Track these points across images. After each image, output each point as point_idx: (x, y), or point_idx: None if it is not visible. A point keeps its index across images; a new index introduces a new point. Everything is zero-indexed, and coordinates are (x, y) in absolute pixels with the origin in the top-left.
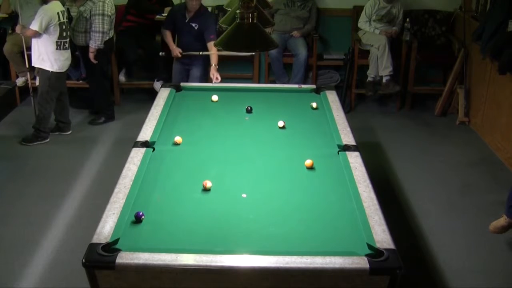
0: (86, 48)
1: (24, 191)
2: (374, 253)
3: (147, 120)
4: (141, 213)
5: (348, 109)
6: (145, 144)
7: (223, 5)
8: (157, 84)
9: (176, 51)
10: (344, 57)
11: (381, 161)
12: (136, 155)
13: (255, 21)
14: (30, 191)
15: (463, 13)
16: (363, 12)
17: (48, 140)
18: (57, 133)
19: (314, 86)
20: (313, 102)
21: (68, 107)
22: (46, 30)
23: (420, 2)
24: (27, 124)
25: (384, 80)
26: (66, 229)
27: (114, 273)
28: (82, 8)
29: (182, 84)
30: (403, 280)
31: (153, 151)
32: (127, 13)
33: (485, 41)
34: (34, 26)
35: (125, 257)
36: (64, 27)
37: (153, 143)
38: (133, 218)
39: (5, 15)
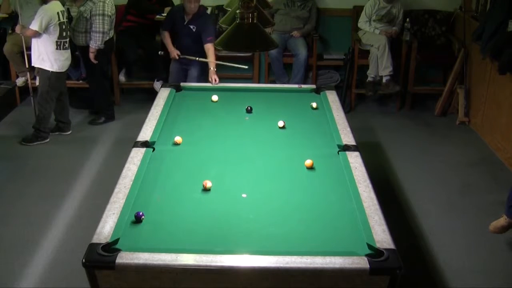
0: (86, 48)
1: (24, 191)
2: (374, 253)
3: (147, 120)
4: (141, 213)
5: (348, 109)
6: (145, 144)
7: (223, 5)
8: (157, 84)
9: (174, 53)
10: (344, 57)
11: (381, 161)
12: (136, 155)
13: (255, 21)
14: (30, 191)
15: (463, 13)
16: (363, 12)
17: (48, 140)
18: (57, 133)
19: (314, 86)
20: (313, 102)
21: (68, 107)
22: (46, 30)
23: (420, 2)
24: (27, 124)
25: (384, 80)
26: (66, 229)
27: (114, 273)
28: (82, 8)
29: (182, 84)
30: (403, 280)
31: (153, 151)
32: (127, 13)
33: (485, 41)
34: (34, 26)
35: (125, 257)
36: (64, 27)
37: (153, 143)
38: (133, 218)
39: (5, 15)
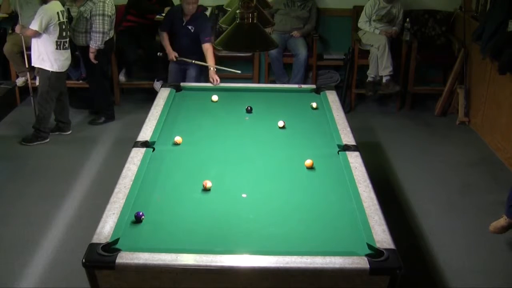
0: (86, 48)
1: (24, 191)
2: (374, 253)
3: (147, 120)
4: (141, 213)
5: (348, 109)
6: (145, 144)
7: (223, 5)
8: (157, 84)
9: (172, 55)
10: (344, 57)
11: (381, 161)
12: (136, 155)
13: (255, 21)
14: (30, 191)
15: (463, 13)
16: (363, 12)
17: (48, 140)
18: (57, 133)
19: (314, 86)
20: (313, 102)
21: (68, 107)
22: (46, 30)
23: (420, 2)
24: (27, 124)
25: (384, 80)
26: (66, 229)
27: (114, 273)
28: (82, 8)
29: (182, 84)
30: (403, 280)
31: (153, 151)
32: (127, 13)
33: (485, 41)
34: (34, 25)
35: (125, 257)
36: (64, 27)
37: (153, 143)
38: (133, 218)
39: (5, 15)
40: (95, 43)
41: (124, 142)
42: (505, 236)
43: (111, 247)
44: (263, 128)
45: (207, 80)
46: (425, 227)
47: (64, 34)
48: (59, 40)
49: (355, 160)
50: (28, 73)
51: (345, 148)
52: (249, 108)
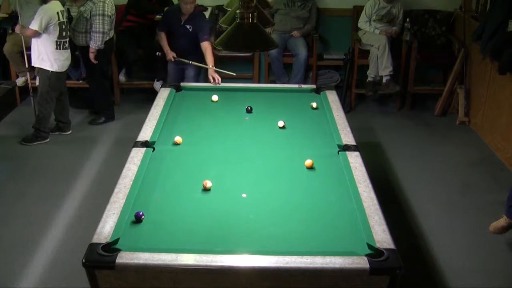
0: (86, 48)
1: (24, 191)
2: (374, 253)
3: (147, 120)
4: (141, 213)
5: (348, 109)
6: (145, 144)
7: (223, 5)
8: (157, 84)
9: (170, 55)
10: (344, 57)
11: (381, 161)
12: (136, 155)
13: (255, 21)
14: (30, 191)
15: (463, 13)
16: (363, 12)
17: (48, 140)
18: (57, 133)
19: (314, 86)
20: (313, 102)
21: (68, 107)
22: (45, 29)
23: (420, 2)
24: (27, 124)
25: (384, 80)
26: (66, 229)
27: (114, 273)
28: (82, 8)
29: (182, 84)
30: (403, 280)
31: (153, 151)
32: (127, 13)
33: (485, 41)
34: (34, 25)
35: (125, 257)
36: (63, 26)
37: (153, 143)
38: (133, 218)
39: (5, 15)
40: (95, 43)
41: (124, 142)
42: (505, 236)
43: (111, 247)
44: (263, 128)
45: (206, 80)
46: (425, 227)
47: (64, 34)
48: (59, 40)
49: (355, 160)
50: (28, 73)
51: (345, 148)
52: (249, 108)
